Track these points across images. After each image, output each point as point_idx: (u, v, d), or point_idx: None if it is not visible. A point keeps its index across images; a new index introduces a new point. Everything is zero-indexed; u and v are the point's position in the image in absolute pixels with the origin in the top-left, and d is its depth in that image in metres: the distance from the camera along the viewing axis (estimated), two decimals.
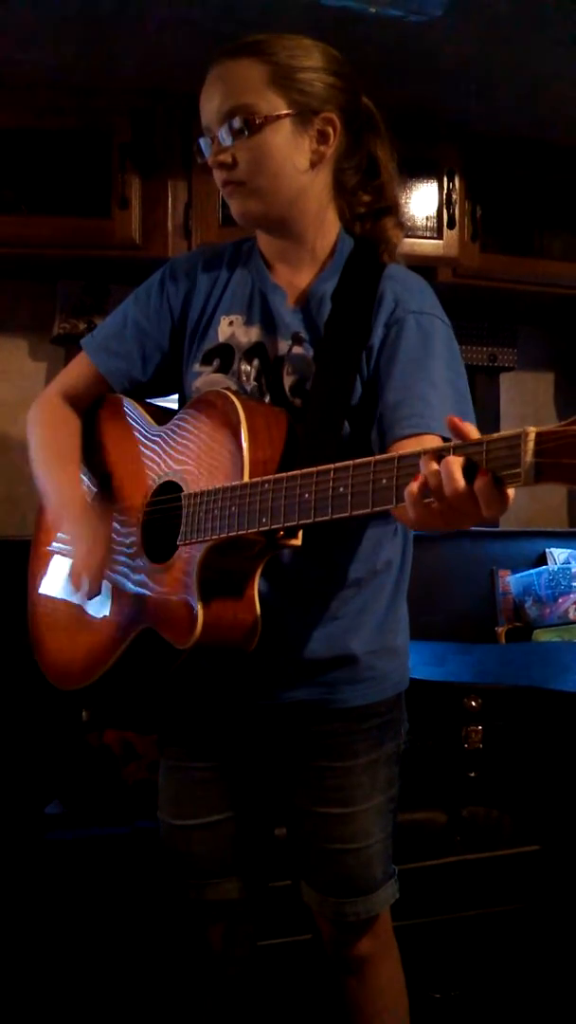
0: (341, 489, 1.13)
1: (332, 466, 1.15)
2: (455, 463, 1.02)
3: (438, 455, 1.04)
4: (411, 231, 2.74)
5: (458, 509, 1.03)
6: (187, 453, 1.38)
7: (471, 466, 1.01)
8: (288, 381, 1.42)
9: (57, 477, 1.52)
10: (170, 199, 2.58)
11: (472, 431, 1.05)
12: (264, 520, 1.21)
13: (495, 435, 1.00)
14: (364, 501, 1.11)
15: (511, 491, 1.02)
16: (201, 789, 1.52)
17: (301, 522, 1.18)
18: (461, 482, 1.01)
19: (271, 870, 1.59)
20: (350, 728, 1.48)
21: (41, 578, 1.61)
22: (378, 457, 1.11)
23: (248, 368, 1.44)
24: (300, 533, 1.26)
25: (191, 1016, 1.61)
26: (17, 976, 2.00)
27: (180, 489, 1.36)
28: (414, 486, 1.06)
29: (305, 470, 1.18)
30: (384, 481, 1.09)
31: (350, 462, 1.13)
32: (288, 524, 1.19)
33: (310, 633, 1.44)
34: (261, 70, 1.34)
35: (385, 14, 2.15)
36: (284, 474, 1.21)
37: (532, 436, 0.95)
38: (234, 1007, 1.61)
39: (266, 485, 1.22)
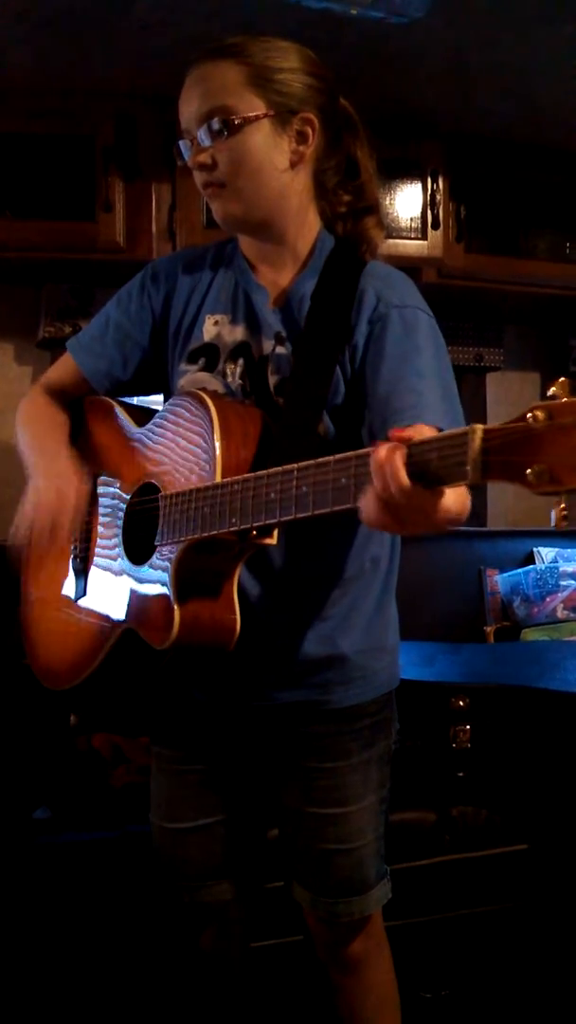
0: (304, 488, 1.13)
1: (296, 465, 1.15)
2: (399, 459, 1.01)
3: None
4: (395, 232, 2.74)
5: (406, 508, 1.02)
6: (164, 455, 1.39)
7: (418, 469, 1.00)
8: (272, 380, 1.42)
9: (35, 442, 1.52)
10: (154, 202, 2.59)
11: (422, 432, 1.04)
12: (234, 520, 1.21)
13: (444, 433, 1.00)
14: (324, 500, 1.11)
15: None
16: (193, 792, 1.52)
17: (267, 522, 1.18)
18: (404, 479, 1.00)
19: (264, 871, 1.59)
20: (341, 728, 1.47)
21: (34, 578, 1.62)
22: (337, 456, 1.11)
23: (233, 367, 1.44)
24: (275, 532, 1.26)
25: (184, 1019, 1.61)
26: (6, 981, 1.99)
27: (159, 491, 1.37)
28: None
29: (271, 470, 1.18)
30: (343, 480, 1.09)
31: (312, 461, 1.13)
32: (256, 524, 1.20)
33: (300, 633, 1.44)
34: (239, 71, 1.35)
35: (367, 15, 2.16)
36: (252, 474, 1.21)
37: (479, 433, 0.95)
38: (227, 1009, 1.61)
39: (235, 485, 1.22)
